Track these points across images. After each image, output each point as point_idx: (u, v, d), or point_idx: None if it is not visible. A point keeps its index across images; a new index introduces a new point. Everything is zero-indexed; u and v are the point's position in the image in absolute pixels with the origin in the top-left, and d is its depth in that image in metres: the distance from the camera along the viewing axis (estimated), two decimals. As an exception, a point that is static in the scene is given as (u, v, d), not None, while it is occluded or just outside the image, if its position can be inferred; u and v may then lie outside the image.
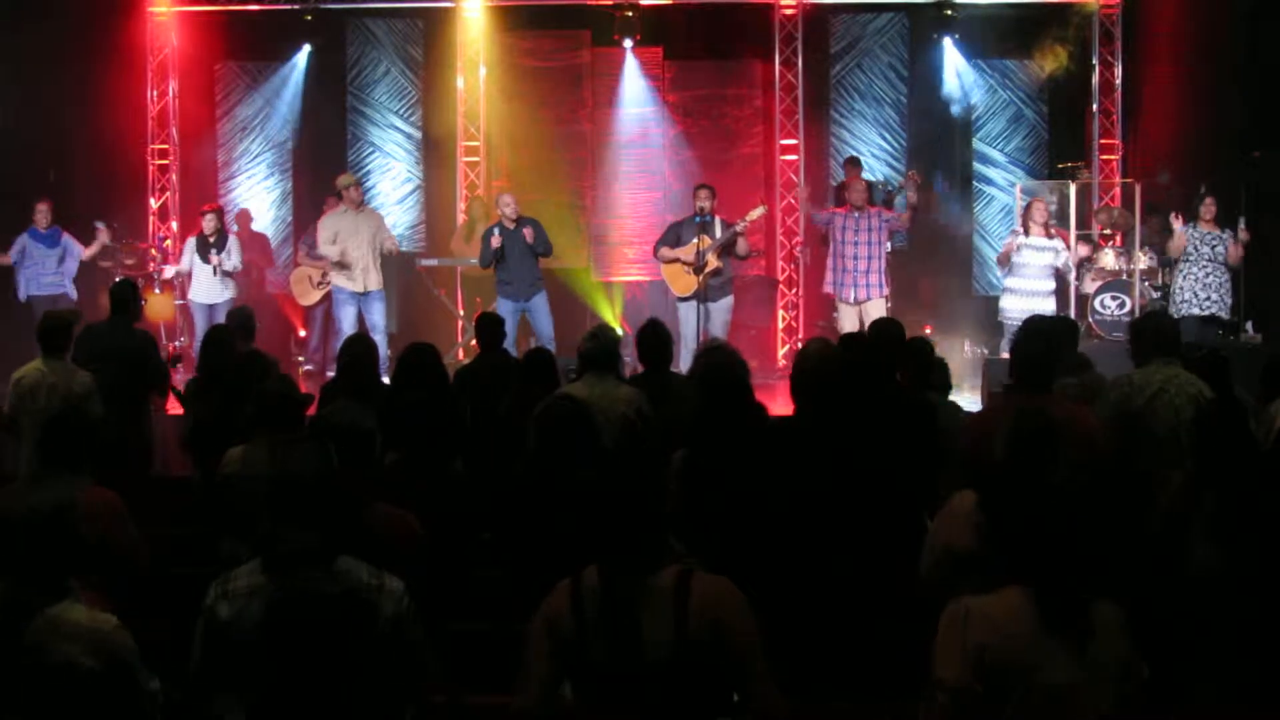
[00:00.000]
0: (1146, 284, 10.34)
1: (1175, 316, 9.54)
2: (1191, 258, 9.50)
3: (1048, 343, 4.81)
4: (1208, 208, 9.56)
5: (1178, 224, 9.49)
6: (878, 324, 6.23)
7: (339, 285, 10.10)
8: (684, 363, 8.94)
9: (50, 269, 10.15)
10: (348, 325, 9.94)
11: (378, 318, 10.08)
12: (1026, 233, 9.63)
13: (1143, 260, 10.30)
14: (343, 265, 9.98)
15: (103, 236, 10.33)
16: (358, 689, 2.94)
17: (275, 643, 2.92)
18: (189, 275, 10.57)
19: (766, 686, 2.78)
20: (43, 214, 10.11)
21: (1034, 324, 5.18)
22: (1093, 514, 3.00)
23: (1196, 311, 9.45)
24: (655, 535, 2.83)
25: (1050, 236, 9.66)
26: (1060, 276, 9.85)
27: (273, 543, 2.99)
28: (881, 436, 4.38)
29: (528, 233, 9.62)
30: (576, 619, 2.80)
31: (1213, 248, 9.46)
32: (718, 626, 2.74)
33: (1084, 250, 10.44)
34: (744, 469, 4.05)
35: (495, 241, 9.66)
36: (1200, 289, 9.47)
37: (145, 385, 7.13)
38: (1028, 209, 9.80)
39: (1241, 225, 9.54)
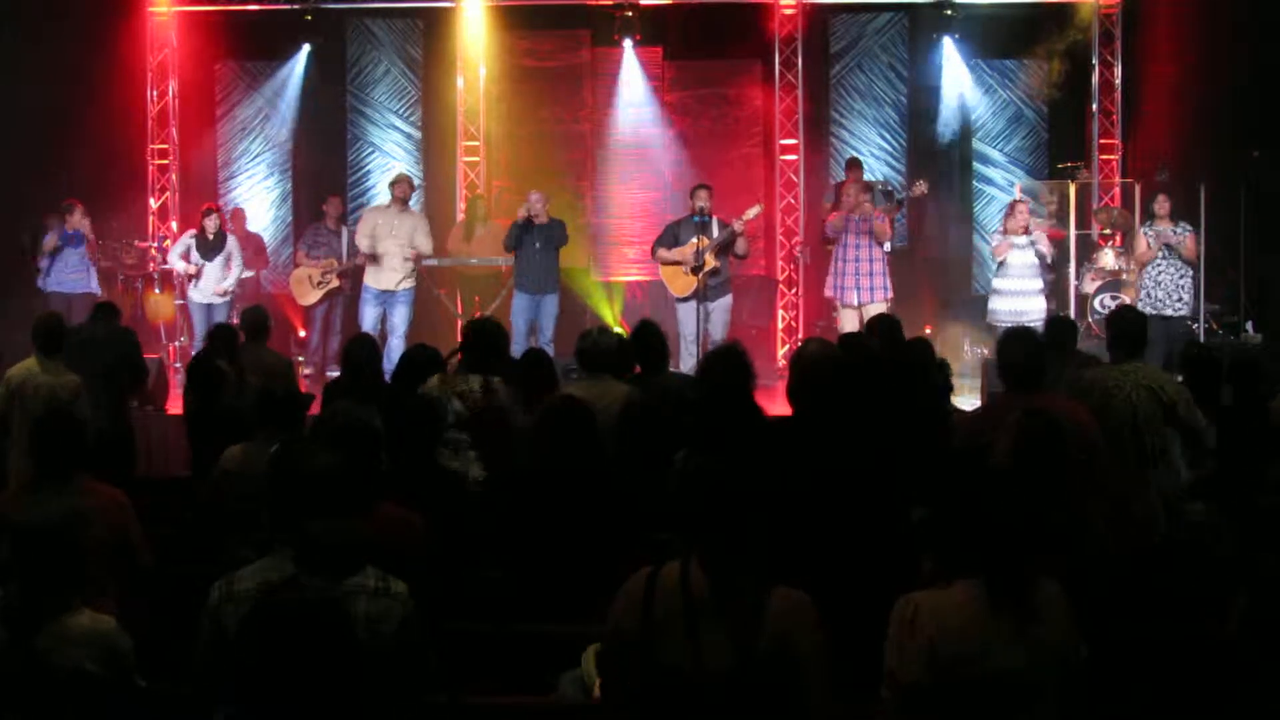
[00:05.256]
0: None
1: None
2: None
3: (1027, 346, 4.86)
4: (1161, 204, 9.54)
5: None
6: (874, 320, 6.32)
7: (367, 283, 10.04)
8: (684, 363, 8.97)
9: (73, 266, 10.08)
10: (367, 325, 9.80)
11: (398, 320, 9.97)
12: (1006, 234, 9.66)
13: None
14: (373, 259, 9.94)
15: None
16: (359, 693, 2.94)
17: (276, 647, 2.91)
18: (190, 274, 10.53)
19: (819, 714, 2.71)
20: (78, 214, 10.07)
21: (1013, 331, 5.24)
22: (1039, 498, 2.96)
23: (1163, 310, 9.34)
24: (756, 539, 2.75)
25: (1029, 232, 9.61)
26: (1049, 271, 9.83)
27: (305, 546, 2.95)
28: (881, 435, 4.37)
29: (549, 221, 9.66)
30: (645, 614, 2.72)
31: (1167, 244, 9.42)
32: (786, 640, 2.67)
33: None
34: (743, 469, 4.04)
35: (520, 215, 9.64)
36: (1154, 286, 9.43)
37: (123, 382, 7.10)
38: (1009, 214, 9.80)
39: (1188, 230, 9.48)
